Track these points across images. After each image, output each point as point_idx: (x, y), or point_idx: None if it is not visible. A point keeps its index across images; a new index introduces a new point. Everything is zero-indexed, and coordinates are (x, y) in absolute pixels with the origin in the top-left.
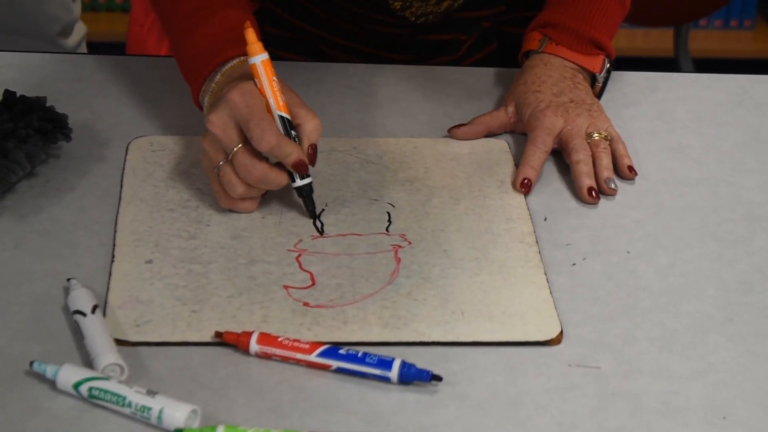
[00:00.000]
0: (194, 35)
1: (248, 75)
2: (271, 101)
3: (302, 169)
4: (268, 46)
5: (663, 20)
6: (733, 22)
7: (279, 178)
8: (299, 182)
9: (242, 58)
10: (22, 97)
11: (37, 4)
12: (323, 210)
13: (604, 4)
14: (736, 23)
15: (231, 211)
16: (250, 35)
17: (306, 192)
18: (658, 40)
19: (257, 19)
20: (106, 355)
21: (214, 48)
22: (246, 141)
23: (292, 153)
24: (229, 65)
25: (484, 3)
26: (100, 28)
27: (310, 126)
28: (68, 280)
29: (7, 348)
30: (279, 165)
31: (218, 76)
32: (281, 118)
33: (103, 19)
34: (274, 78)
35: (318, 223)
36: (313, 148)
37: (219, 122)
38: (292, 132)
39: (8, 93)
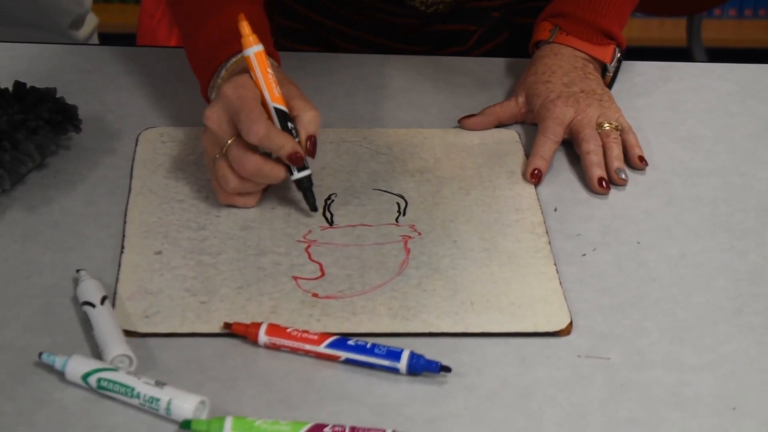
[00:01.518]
0: (202, 30)
1: (247, 69)
2: (266, 93)
3: (297, 162)
4: (278, 37)
5: (676, 10)
6: (747, 12)
7: (275, 171)
8: (297, 175)
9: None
10: (33, 88)
11: None
12: (332, 200)
13: None
14: (751, 13)
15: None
16: (244, 28)
17: (305, 185)
18: (672, 30)
19: (268, 11)
20: (115, 346)
21: (219, 44)
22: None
23: (285, 144)
24: (233, 60)
25: None
26: (112, 20)
27: (307, 117)
28: (77, 271)
29: (17, 339)
30: (278, 159)
31: (223, 72)
32: (276, 110)
33: (115, 10)
34: (269, 69)
35: (327, 214)
36: (312, 139)
37: (213, 116)
38: (289, 124)
39: (18, 84)
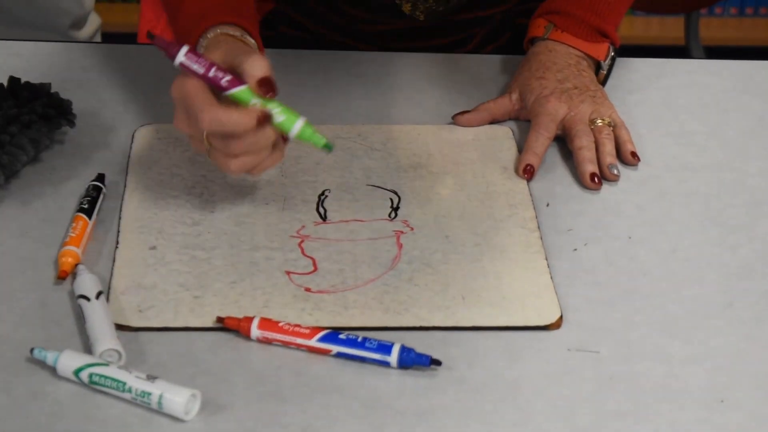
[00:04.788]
0: (180, 12)
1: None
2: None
3: (263, 121)
4: (283, 47)
5: (675, 7)
6: (748, 10)
7: (249, 123)
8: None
9: (222, 25)
10: (27, 83)
11: None
12: (326, 196)
13: None
14: (752, 11)
15: (235, 198)
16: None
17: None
18: (673, 28)
19: (272, 21)
20: (105, 340)
21: (193, 23)
22: None
23: (241, 119)
24: (207, 38)
25: (493, 2)
26: (115, 19)
27: (249, 64)
28: (76, 265)
29: (12, 333)
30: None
31: (201, 50)
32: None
33: (118, 10)
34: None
35: (321, 210)
36: (265, 80)
37: (178, 121)
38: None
39: (13, 79)
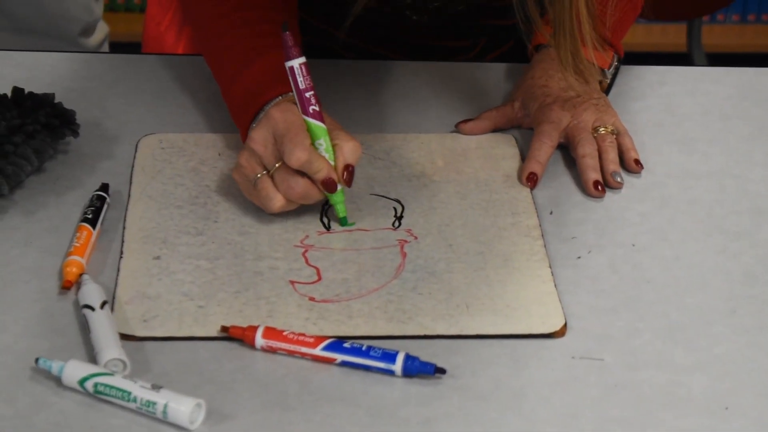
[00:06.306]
0: (241, 78)
1: (293, 103)
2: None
3: (330, 188)
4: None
5: (677, 15)
6: (750, 17)
7: (320, 195)
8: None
9: (287, 94)
10: (30, 93)
11: (57, 4)
12: (330, 206)
13: (615, 2)
14: (754, 17)
15: (239, 208)
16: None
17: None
18: (675, 35)
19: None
20: (109, 350)
21: (258, 89)
22: None
23: (322, 169)
24: (272, 104)
25: (505, 11)
26: (119, 29)
27: (347, 147)
28: (81, 275)
29: (16, 343)
30: None
31: (262, 115)
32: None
33: (121, 19)
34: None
35: (325, 219)
36: (349, 169)
37: (260, 138)
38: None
39: (17, 90)
